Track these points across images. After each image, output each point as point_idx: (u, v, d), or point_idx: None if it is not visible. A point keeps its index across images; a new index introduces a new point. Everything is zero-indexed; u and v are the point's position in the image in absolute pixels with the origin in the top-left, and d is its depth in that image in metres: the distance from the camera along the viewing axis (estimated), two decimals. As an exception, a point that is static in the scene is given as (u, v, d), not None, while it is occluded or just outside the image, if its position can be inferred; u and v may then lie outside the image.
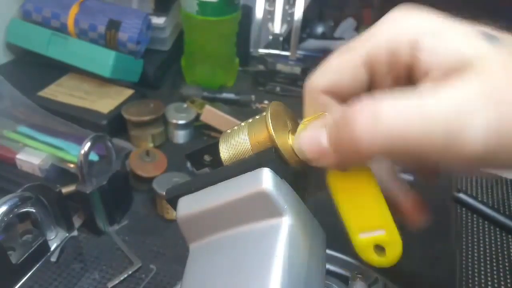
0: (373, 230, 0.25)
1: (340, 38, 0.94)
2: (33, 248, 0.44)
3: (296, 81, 0.83)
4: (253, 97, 0.78)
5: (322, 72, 0.26)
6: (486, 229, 0.57)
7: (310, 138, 0.23)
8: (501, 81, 0.19)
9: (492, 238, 0.56)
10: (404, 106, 0.19)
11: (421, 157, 0.20)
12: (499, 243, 0.55)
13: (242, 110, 0.77)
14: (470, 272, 0.52)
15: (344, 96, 0.25)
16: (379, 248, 0.25)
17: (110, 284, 0.48)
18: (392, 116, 0.19)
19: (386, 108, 0.20)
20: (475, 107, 0.19)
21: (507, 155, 0.19)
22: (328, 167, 0.25)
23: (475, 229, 0.57)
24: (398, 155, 0.20)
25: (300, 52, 0.88)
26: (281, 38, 0.88)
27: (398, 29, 0.23)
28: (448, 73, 0.20)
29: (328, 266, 0.45)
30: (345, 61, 0.25)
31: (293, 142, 0.25)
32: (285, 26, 0.88)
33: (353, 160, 0.22)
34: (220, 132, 0.67)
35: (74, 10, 0.73)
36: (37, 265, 0.45)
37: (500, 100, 0.19)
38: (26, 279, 0.44)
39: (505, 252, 0.54)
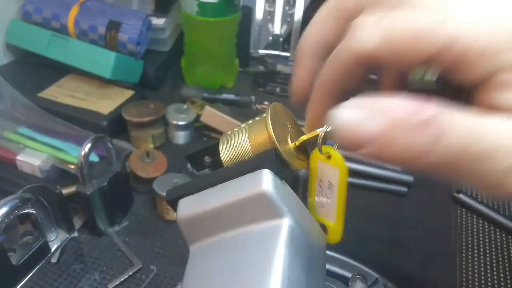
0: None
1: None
2: (33, 249, 0.44)
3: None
4: (253, 98, 0.78)
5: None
6: (486, 229, 0.57)
7: (356, 118, 0.19)
8: None
9: (492, 238, 0.56)
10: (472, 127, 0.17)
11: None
12: (499, 244, 0.55)
13: (242, 111, 0.77)
14: (470, 273, 0.52)
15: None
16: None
17: (111, 285, 0.48)
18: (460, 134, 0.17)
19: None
20: None
21: None
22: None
23: (475, 229, 0.57)
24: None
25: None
26: (281, 39, 0.88)
27: None
28: None
29: (328, 267, 0.45)
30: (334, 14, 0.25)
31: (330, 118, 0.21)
32: (285, 27, 0.88)
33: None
34: (220, 133, 0.67)
35: (74, 11, 0.73)
36: (38, 266, 0.45)
37: None
38: (27, 280, 0.44)
39: (505, 253, 0.54)
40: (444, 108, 0.18)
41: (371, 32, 0.20)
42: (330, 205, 0.27)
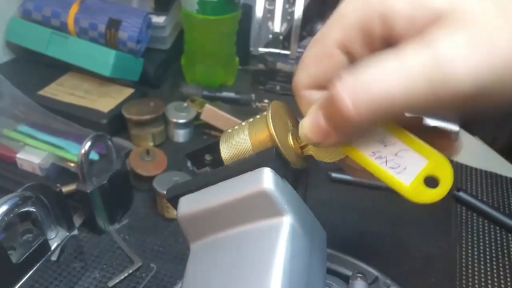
0: None
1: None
2: (33, 248, 0.44)
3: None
4: (253, 96, 0.78)
5: (302, 69, 0.25)
6: (486, 227, 0.57)
7: (311, 123, 0.23)
8: (486, 28, 0.19)
9: (492, 236, 0.56)
10: (382, 69, 0.20)
11: (412, 112, 0.21)
12: (498, 242, 0.55)
13: (242, 109, 0.77)
14: (470, 271, 0.52)
15: None
16: (431, 182, 0.24)
17: (111, 283, 0.48)
18: (372, 83, 0.20)
19: (365, 77, 0.20)
20: (455, 55, 0.19)
21: (501, 90, 0.19)
22: (337, 145, 0.25)
23: (475, 227, 0.57)
24: (390, 116, 0.21)
25: (300, 51, 0.88)
26: (281, 37, 0.88)
27: (365, 3, 0.22)
28: (425, 30, 0.20)
29: (328, 265, 0.45)
30: (320, 52, 0.25)
31: (299, 131, 0.25)
32: (285, 25, 0.88)
33: (352, 133, 0.22)
34: (220, 131, 0.67)
35: (74, 9, 0.73)
36: (38, 265, 0.45)
37: (485, 44, 0.19)
38: (27, 278, 0.44)
39: (505, 251, 0.54)
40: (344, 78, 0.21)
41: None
42: (408, 154, 0.24)
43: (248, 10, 0.84)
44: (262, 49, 0.89)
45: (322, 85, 0.25)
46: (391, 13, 0.21)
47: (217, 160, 0.28)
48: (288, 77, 0.83)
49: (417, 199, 0.24)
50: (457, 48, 0.19)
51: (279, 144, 0.25)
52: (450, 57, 0.19)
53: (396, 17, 0.21)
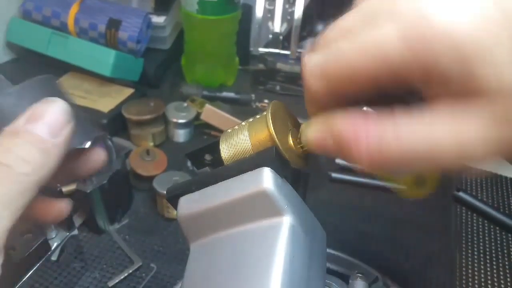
0: None
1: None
2: (33, 248, 0.44)
3: (296, 80, 0.83)
4: (253, 96, 0.78)
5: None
6: (486, 227, 0.57)
7: (318, 138, 0.23)
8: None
9: (492, 236, 0.56)
10: (410, 131, 0.20)
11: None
12: (498, 242, 0.55)
13: (242, 109, 0.77)
14: (470, 271, 0.52)
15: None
16: (420, 182, 0.28)
17: (111, 283, 0.48)
18: (398, 143, 0.20)
19: (391, 135, 0.20)
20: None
21: None
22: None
23: (474, 227, 0.57)
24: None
25: (300, 51, 0.88)
26: (281, 37, 0.88)
27: None
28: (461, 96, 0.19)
29: (328, 265, 0.45)
30: None
31: (301, 136, 0.25)
32: (285, 25, 0.88)
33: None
34: (220, 131, 0.67)
35: (74, 9, 0.73)
36: (38, 264, 0.45)
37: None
38: (27, 278, 0.44)
39: (505, 251, 0.54)
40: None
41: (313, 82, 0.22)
42: None
43: (248, 10, 0.84)
44: (262, 49, 0.89)
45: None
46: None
47: (217, 160, 0.28)
48: (288, 77, 0.83)
49: (405, 195, 0.28)
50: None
51: (278, 144, 0.25)
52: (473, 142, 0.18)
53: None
